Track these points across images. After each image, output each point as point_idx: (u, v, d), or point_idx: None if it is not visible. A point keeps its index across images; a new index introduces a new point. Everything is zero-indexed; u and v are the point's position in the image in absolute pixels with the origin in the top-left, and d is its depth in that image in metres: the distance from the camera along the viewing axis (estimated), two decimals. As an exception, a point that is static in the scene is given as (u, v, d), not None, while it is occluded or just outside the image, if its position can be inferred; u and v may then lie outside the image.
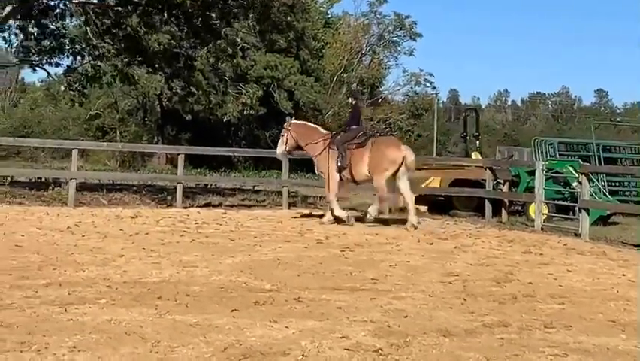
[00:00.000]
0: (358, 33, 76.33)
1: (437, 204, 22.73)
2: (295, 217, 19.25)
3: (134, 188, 25.05)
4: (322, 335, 7.01)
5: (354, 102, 19.72)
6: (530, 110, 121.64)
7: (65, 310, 7.60)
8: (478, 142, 24.20)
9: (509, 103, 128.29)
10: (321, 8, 73.24)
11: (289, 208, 21.50)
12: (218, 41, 23.69)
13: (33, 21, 25.08)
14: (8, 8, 21.14)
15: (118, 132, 68.35)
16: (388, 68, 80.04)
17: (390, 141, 19.49)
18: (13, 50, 26.84)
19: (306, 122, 20.36)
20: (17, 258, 10.84)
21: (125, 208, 20.00)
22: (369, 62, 77.97)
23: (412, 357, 6.49)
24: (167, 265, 10.75)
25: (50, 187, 22.65)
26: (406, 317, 8.04)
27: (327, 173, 18.14)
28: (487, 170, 21.11)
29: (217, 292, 8.92)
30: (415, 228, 17.58)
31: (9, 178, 23.95)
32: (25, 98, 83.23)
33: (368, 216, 18.01)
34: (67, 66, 26.94)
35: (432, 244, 14.78)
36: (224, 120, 52.14)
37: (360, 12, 77.41)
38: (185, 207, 20.75)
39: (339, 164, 17.98)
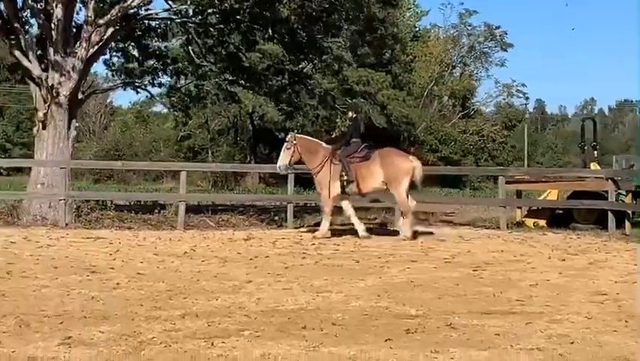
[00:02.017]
0: (448, 45, 75.62)
1: (556, 218, 21.91)
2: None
3: (240, 209, 24.73)
4: (495, 368, 6.43)
5: (354, 116, 19.15)
6: (618, 119, 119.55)
7: (212, 345, 7.16)
8: (596, 152, 23.30)
9: (596, 111, 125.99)
10: (409, 22, 72.69)
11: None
12: (324, 56, 23.28)
13: (134, 42, 24.98)
14: (110, 30, 20.93)
15: (210, 152, 68.59)
16: (479, 79, 79.08)
17: (398, 152, 19.12)
18: (114, 72, 26.70)
19: (310, 137, 19.98)
20: (144, 287, 10.45)
21: (236, 230, 19.59)
22: (460, 74, 77.18)
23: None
24: (300, 291, 10.27)
25: (156, 210, 22.46)
26: (572, 343, 7.45)
27: (325, 186, 17.97)
28: (609, 180, 20.20)
29: (362, 320, 8.41)
30: (411, 239, 17.50)
31: (113, 203, 23.79)
32: (116, 121, 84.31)
33: (403, 236, 17.65)
34: (170, 86, 26.77)
35: (564, 260, 14.03)
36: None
37: (449, 24, 76.74)
38: (296, 228, 20.27)
39: (345, 178, 17.77)
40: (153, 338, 7.44)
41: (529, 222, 21.83)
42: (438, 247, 16.16)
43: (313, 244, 16.42)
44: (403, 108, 60.24)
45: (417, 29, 75.59)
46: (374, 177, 17.85)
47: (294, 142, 18.29)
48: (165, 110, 70.51)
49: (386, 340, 7.44)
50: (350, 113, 19.54)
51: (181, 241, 16.63)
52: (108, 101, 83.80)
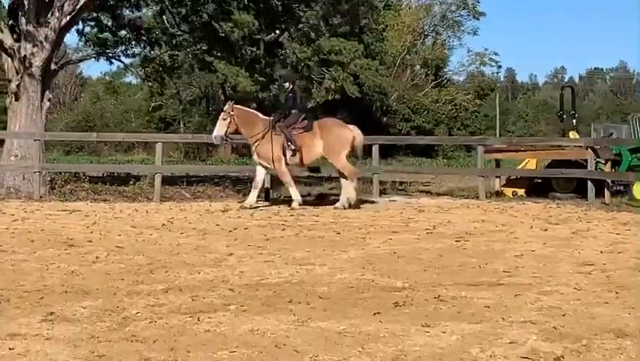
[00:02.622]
0: (420, 14, 75.30)
1: (535, 187, 21.87)
2: (388, 206, 18.51)
3: (216, 180, 24.55)
4: (489, 341, 6.31)
5: (291, 86, 19.00)
6: (588, 87, 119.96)
7: (199, 320, 6.98)
8: (575, 121, 23.19)
9: (566, 80, 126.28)
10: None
11: (380, 196, 20.70)
12: (300, 25, 22.96)
13: (107, 12, 24.59)
14: (83, 0, 20.55)
15: (182, 123, 68.08)
16: (451, 48, 78.92)
17: (338, 122, 19.34)
18: (87, 42, 26.30)
19: (247, 108, 20.02)
20: (123, 260, 10.27)
21: (213, 202, 19.41)
22: (433, 43, 76.95)
23: (602, 365, 5.78)
24: (282, 264, 10.12)
25: (131, 182, 22.24)
26: (564, 315, 7.31)
27: (272, 158, 17.88)
28: (589, 149, 20.11)
29: (348, 293, 8.28)
30: (356, 207, 17.71)
31: (86, 175, 23.49)
32: (86, 92, 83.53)
33: (351, 201, 17.82)
34: (144, 56, 26.41)
35: (546, 230, 13.93)
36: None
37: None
38: (275, 199, 20.09)
39: (292, 148, 17.78)
40: (137, 313, 7.27)
41: (508, 191, 21.74)
42: (418, 217, 16.06)
43: (292, 215, 16.26)
44: (376, 78, 59.85)
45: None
46: (315, 147, 17.98)
47: (232, 112, 18.15)
48: (136, 82, 70.19)
49: (375, 313, 7.29)
50: (287, 84, 19.40)
51: (158, 213, 16.44)
52: (78, 72, 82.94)
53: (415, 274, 9.43)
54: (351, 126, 18.42)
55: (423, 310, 7.50)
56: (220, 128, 18.18)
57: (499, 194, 21.45)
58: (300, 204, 17.73)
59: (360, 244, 12.03)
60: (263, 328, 6.71)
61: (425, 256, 10.82)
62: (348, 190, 17.90)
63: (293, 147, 17.75)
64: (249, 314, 7.25)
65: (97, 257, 10.53)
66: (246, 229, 13.91)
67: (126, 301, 7.76)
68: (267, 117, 18.46)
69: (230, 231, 13.56)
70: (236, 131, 18.41)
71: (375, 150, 21.13)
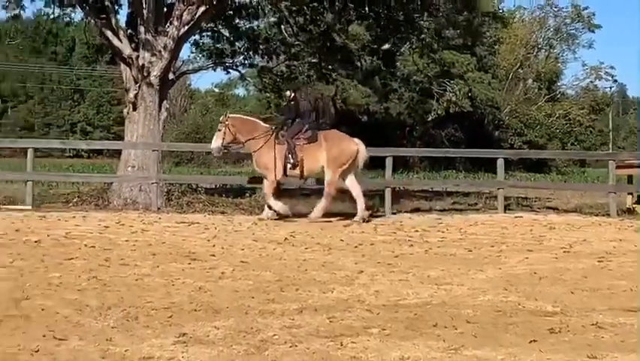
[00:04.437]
0: (534, 27, 74.00)
1: None
2: (516, 223, 17.75)
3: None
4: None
5: (292, 95, 18.59)
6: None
7: (342, 345, 6.50)
8: None
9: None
10: (492, 2, 71.15)
11: (505, 212, 19.94)
12: (422, 35, 22.33)
13: (224, 22, 24.37)
14: (201, 9, 20.32)
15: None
16: (565, 61, 77.27)
17: (342, 135, 18.61)
18: (204, 52, 26.18)
19: (244, 116, 19.62)
20: (250, 277, 9.82)
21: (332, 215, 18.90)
22: (546, 57, 75.49)
23: None
24: (418, 283, 9.56)
25: (247, 194, 21.94)
26: None
27: (271, 167, 17.37)
28: None
29: (496, 317, 7.71)
30: (365, 221, 17.14)
31: (202, 186, 23.19)
32: (196, 103, 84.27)
33: (313, 215, 17.35)
34: (262, 67, 26.13)
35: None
36: (409, 121, 50.90)
37: (535, 5, 75.07)
38: (394, 213, 19.50)
39: (291, 160, 17.31)
40: (274, 335, 6.79)
41: (642, 209, 20.66)
42: (549, 234, 15.30)
43: (417, 231, 15.64)
44: (488, 91, 59.03)
45: (501, 11, 74.02)
46: (317, 159, 17.47)
47: (226, 122, 17.73)
48: (245, 93, 70.37)
49: (530, 341, 6.72)
50: (288, 93, 18.96)
51: (278, 227, 15.99)
52: (187, 84, 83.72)
53: (562, 296, 8.79)
54: (356, 140, 17.95)
55: (583, 338, 6.90)
56: (217, 140, 17.80)
57: (630, 211, 20.41)
58: (268, 218, 17.35)
59: (495, 263, 11.39)
60: (413, 355, 6.18)
61: (568, 277, 10.15)
62: (358, 203, 17.63)
63: (292, 160, 17.32)
64: (394, 339, 6.73)
65: (222, 273, 10.11)
66: (372, 244, 13.36)
67: (260, 322, 7.30)
68: (266, 125, 18.12)
69: (355, 246, 13.04)
70: (235, 141, 17.97)
71: (500, 163, 20.38)
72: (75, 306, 7.91)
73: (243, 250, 12.42)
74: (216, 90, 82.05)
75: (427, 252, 12.54)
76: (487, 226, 16.88)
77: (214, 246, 12.77)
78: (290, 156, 17.32)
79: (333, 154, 17.34)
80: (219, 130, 17.79)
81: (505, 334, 6.98)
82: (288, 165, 17.38)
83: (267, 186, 17.63)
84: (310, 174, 18.01)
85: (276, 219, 17.15)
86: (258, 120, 18.74)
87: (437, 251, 12.63)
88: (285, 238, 13.94)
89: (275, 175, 17.41)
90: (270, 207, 17.50)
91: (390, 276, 10.06)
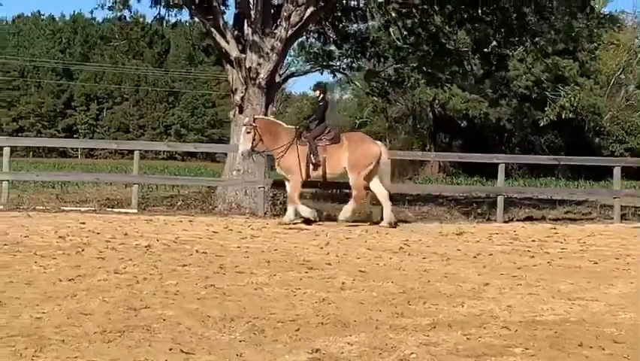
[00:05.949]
0: (637, 32, 72.30)
1: None
2: (635, 233, 17.07)
3: (440, 201, 23.64)
4: None
5: (322, 96, 18.09)
6: None
7: (488, 367, 6.05)
8: None
9: None
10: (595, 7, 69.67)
11: (621, 222, 19.25)
12: (536, 39, 21.69)
13: (330, 24, 24.07)
14: (310, 10, 20.02)
15: (387, 140, 67.47)
16: (670, 67, 75.18)
17: (365, 137, 18.55)
18: (311, 54, 25.96)
19: (271, 118, 19.09)
20: (373, 288, 9.44)
21: (443, 223, 18.46)
22: (650, 62, 73.65)
23: None
24: (549, 297, 9.10)
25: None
26: None
27: (296, 169, 17.15)
28: None
29: (646, 338, 7.18)
30: (393, 226, 17.05)
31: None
32: (291, 107, 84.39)
33: (341, 217, 17.24)
34: (369, 70, 25.75)
35: None
36: (506, 126, 49.95)
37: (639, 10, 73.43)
38: (506, 222, 18.96)
39: (313, 161, 17.12)
40: (412, 354, 6.42)
41: None
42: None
43: (534, 240, 15.10)
44: (590, 97, 57.80)
45: (602, 16, 72.42)
46: (340, 161, 17.27)
47: (254, 124, 17.34)
48: (342, 97, 70.03)
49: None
50: (317, 93, 18.40)
51: (390, 235, 15.60)
52: (282, 87, 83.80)
53: None
54: (378, 143, 18.03)
55: None
56: (245, 143, 17.36)
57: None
58: (290, 221, 17.08)
59: (625, 277, 10.86)
60: (567, 379, 5.73)
61: None
62: (384, 206, 17.40)
63: (313, 160, 17.08)
64: (541, 360, 6.27)
65: (343, 283, 9.75)
66: (491, 255, 12.88)
67: (394, 338, 6.93)
68: (290, 127, 17.97)
69: (474, 256, 12.59)
70: (262, 144, 17.58)
71: (616, 171, 19.70)
72: (197, 317, 7.64)
73: (358, 258, 12.08)
74: (307, 95, 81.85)
75: (550, 263, 12.01)
76: (606, 236, 16.26)
77: (328, 254, 12.46)
78: (312, 156, 17.13)
79: (356, 156, 17.17)
80: (247, 132, 17.42)
81: (662, 358, 6.51)
82: (311, 166, 17.18)
83: (292, 188, 17.36)
84: (333, 176, 17.72)
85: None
86: (282, 122, 18.62)
87: (560, 263, 12.10)
88: (400, 247, 13.55)
89: (300, 176, 17.20)
90: (294, 211, 17.29)
91: (519, 289, 9.59)
